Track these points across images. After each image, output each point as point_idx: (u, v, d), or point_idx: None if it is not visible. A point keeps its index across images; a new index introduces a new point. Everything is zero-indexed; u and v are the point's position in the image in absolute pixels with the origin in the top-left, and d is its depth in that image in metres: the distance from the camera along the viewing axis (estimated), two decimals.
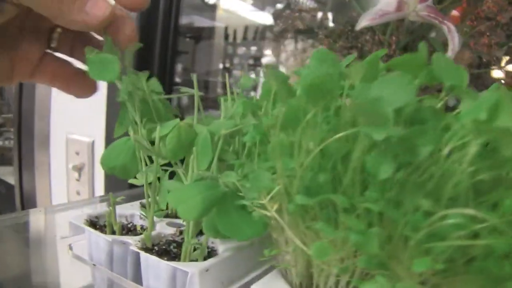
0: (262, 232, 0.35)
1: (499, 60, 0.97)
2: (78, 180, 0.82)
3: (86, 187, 0.90)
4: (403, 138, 0.25)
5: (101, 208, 0.54)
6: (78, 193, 0.94)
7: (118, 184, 0.83)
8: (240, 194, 0.35)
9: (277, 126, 0.28)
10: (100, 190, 0.91)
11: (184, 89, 0.50)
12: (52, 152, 0.97)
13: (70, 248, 0.53)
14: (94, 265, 0.49)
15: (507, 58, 0.97)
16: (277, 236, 0.35)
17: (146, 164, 0.48)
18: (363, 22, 0.67)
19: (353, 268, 0.32)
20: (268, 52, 1.46)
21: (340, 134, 0.28)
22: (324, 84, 0.27)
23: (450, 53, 0.72)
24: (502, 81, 0.93)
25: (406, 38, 0.89)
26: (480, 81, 1.01)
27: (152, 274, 0.43)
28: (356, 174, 0.27)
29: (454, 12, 0.86)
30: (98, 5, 0.36)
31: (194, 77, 0.48)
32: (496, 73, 0.97)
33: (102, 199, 0.67)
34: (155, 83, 0.47)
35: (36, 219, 0.70)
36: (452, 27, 0.73)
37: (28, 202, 1.10)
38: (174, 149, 0.43)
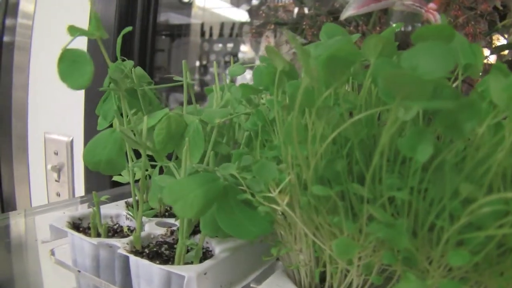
0: (268, 230, 0.32)
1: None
2: (57, 181, 0.78)
3: (65, 188, 0.85)
4: (447, 112, 0.22)
5: (83, 209, 0.50)
6: (58, 194, 0.90)
7: (99, 183, 0.78)
8: (241, 187, 0.32)
9: (295, 107, 0.25)
10: (80, 190, 0.87)
11: (176, 77, 0.46)
12: (31, 153, 0.93)
13: (52, 253, 0.48)
14: (79, 271, 0.45)
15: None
16: (285, 234, 0.31)
17: (132, 160, 0.45)
18: (348, 11, 0.66)
19: (374, 265, 0.28)
20: (244, 48, 1.44)
21: (364, 114, 0.24)
22: (346, 55, 0.24)
23: None
24: None
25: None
26: None
27: (144, 279, 0.39)
28: (383, 160, 0.24)
29: (431, 5, 0.86)
30: None
31: (184, 64, 0.44)
32: None
33: (82, 200, 0.63)
34: (141, 72, 0.43)
35: (16, 222, 0.66)
36: (438, 16, 0.71)
37: (8, 206, 1.05)
38: (164, 141, 0.39)
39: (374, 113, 0.27)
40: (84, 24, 0.35)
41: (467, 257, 0.23)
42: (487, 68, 0.90)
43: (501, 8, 0.98)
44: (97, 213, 0.45)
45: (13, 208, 1.02)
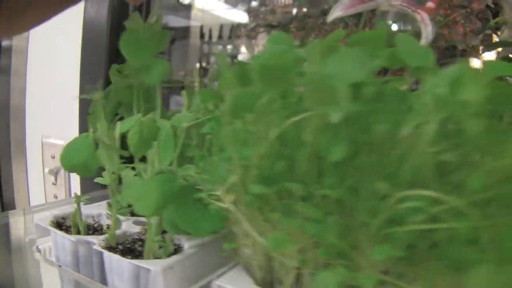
0: (221, 227, 0.34)
1: (475, 49, 0.99)
2: (54, 184, 0.81)
3: (62, 191, 0.88)
4: (358, 116, 0.24)
5: (68, 209, 0.53)
6: (55, 196, 0.93)
7: (94, 185, 0.81)
8: (199, 187, 0.34)
9: (227, 113, 0.27)
10: (77, 192, 0.89)
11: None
12: (29, 156, 0.96)
13: (38, 250, 0.51)
14: (60, 266, 0.47)
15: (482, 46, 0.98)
16: (236, 230, 0.34)
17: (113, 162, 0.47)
18: (335, 13, 0.66)
19: (314, 259, 0.30)
20: (244, 50, 1.45)
21: (295, 118, 0.27)
22: (279, 63, 0.26)
23: (423, 41, 0.73)
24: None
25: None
26: None
27: (116, 273, 0.42)
28: (312, 160, 0.26)
29: (430, 4, 0.87)
30: None
31: (160, 64, 0.47)
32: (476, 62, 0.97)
33: (88, 198, 0.65)
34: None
35: (15, 220, 0.69)
36: (425, 16, 0.71)
37: (8, 208, 1.08)
38: (137, 145, 0.41)
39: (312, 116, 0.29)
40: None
41: (388, 251, 0.25)
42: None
43: (493, 6, 0.99)
44: (78, 212, 0.48)
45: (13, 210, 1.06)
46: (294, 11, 0.98)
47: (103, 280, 0.45)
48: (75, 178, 0.88)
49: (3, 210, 1.08)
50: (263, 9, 1.00)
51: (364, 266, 0.28)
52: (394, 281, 0.27)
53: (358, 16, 0.84)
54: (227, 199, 0.30)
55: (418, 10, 0.71)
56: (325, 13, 0.87)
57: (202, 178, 0.33)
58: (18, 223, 0.69)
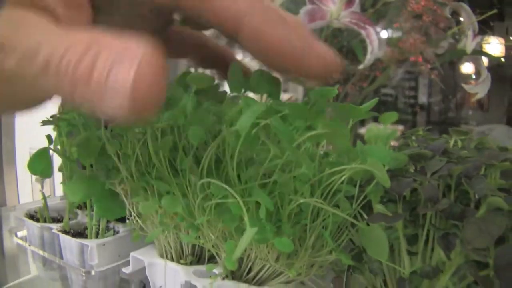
0: (124, 212, 0.50)
1: (427, 60, 1.03)
2: (41, 191, 0.96)
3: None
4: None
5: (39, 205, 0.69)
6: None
7: None
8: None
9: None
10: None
11: None
12: (18, 167, 1.11)
13: (15, 235, 0.67)
14: (29, 245, 0.63)
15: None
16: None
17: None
18: None
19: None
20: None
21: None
22: None
23: (369, 56, 0.79)
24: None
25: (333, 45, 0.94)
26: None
27: (68, 250, 0.57)
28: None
29: None
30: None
31: None
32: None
33: (61, 198, 0.80)
34: None
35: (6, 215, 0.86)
36: (371, 31, 0.78)
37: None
38: (82, 156, 0.57)
39: None
40: None
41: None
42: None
43: (449, 16, 1.05)
44: (45, 206, 0.64)
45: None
46: None
47: (61, 256, 0.60)
48: (59, 185, 1.03)
49: None
50: None
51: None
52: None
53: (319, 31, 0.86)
54: (119, 189, 0.46)
55: (366, 26, 0.78)
56: None
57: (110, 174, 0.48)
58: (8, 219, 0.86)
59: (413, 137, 0.54)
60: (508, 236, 0.32)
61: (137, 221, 0.48)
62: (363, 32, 0.78)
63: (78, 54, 0.21)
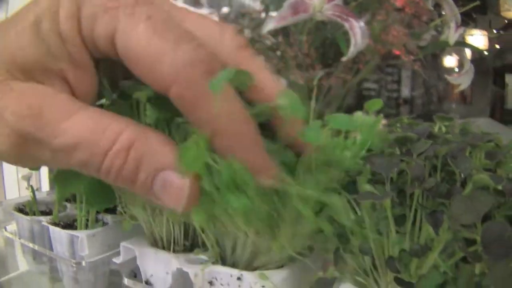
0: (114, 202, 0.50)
1: (410, 52, 1.04)
2: (27, 188, 0.96)
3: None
4: None
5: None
6: None
7: None
8: None
9: None
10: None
11: None
12: (5, 165, 1.11)
13: (5, 229, 0.67)
14: (19, 238, 0.63)
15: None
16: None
17: None
18: (269, 25, 0.73)
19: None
20: None
21: None
22: None
23: (352, 49, 0.78)
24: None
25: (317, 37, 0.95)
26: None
27: (58, 242, 0.58)
28: None
29: None
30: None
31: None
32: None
33: (48, 192, 0.80)
34: None
35: None
36: (355, 24, 0.78)
37: None
38: None
39: None
40: None
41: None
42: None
43: (432, 8, 1.06)
44: (34, 200, 0.64)
45: None
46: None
47: (51, 248, 0.60)
48: (45, 182, 1.03)
49: None
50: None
51: None
52: None
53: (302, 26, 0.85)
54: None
55: (349, 19, 0.78)
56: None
57: None
58: None
59: (398, 125, 0.55)
60: (494, 213, 0.33)
61: (128, 209, 0.48)
62: (346, 25, 0.78)
63: (121, 158, 0.26)
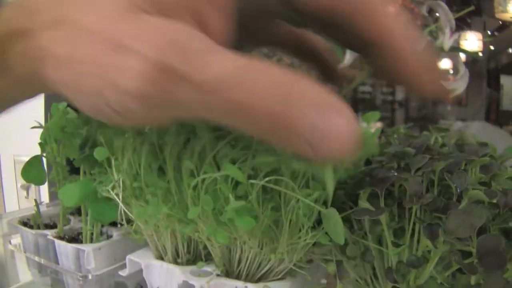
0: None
1: None
2: (26, 197, 0.97)
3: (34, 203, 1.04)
4: None
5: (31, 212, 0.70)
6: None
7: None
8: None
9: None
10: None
11: None
12: (4, 174, 1.12)
13: (9, 242, 0.68)
14: (25, 252, 0.64)
15: None
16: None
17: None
18: None
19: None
20: None
21: None
22: None
23: (348, 56, 0.81)
24: None
25: None
26: None
27: (64, 256, 0.59)
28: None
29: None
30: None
31: None
32: None
33: (47, 205, 0.81)
34: None
35: None
36: None
37: None
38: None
39: None
40: None
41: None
42: None
43: (426, 14, 1.07)
44: (37, 213, 0.65)
45: None
46: None
47: (57, 262, 0.61)
48: (44, 192, 1.04)
49: None
50: None
51: None
52: None
53: None
54: (113, 194, 0.47)
55: None
56: None
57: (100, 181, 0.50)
58: None
59: (395, 135, 0.56)
60: (488, 226, 0.34)
61: (131, 225, 0.49)
62: None
63: (271, 96, 0.22)
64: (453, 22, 1.07)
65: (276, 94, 0.22)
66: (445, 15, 1.04)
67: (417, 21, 1.09)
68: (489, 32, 2.95)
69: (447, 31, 1.05)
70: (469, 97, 3.56)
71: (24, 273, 0.70)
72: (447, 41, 1.05)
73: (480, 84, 3.54)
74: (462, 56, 1.17)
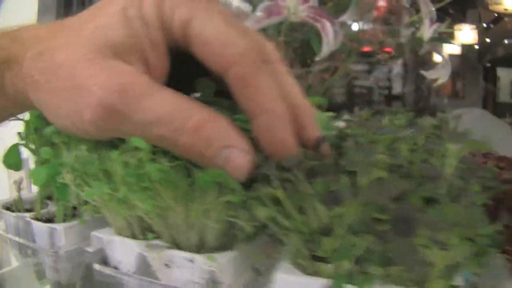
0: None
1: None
2: (18, 192, 1.01)
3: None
4: None
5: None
6: None
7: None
8: None
9: None
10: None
11: None
12: None
13: None
14: (7, 234, 0.69)
15: None
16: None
17: None
18: None
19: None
20: None
21: None
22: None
23: (325, 48, 0.85)
24: None
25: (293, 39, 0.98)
26: None
27: (39, 235, 0.64)
28: None
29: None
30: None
31: None
32: None
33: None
34: None
35: None
36: (326, 24, 0.83)
37: None
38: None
39: None
40: None
41: None
42: None
43: (407, 6, 1.10)
44: (19, 198, 0.70)
45: None
46: None
47: (34, 241, 0.66)
48: (34, 187, 1.09)
49: None
50: None
51: None
52: None
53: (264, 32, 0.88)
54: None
55: (322, 20, 0.83)
56: None
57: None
58: None
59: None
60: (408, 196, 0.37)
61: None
62: (318, 25, 0.82)
63: (195, 135, 0.32)
64: (434, 13, 1.10)
65: (198, 138, 0.32)
66: (426, 6, 1.09)
67: (400, 12, 1.10)
68: (484, 25, 2.97)
69: (427, 22, 1.08)
70: (466, 89, 3.58)
71: (17, 258, 0.75)
72: (427, 32, 1.09)
73: (477, 76, 3.56)
74: (457, 49, 1.20)
